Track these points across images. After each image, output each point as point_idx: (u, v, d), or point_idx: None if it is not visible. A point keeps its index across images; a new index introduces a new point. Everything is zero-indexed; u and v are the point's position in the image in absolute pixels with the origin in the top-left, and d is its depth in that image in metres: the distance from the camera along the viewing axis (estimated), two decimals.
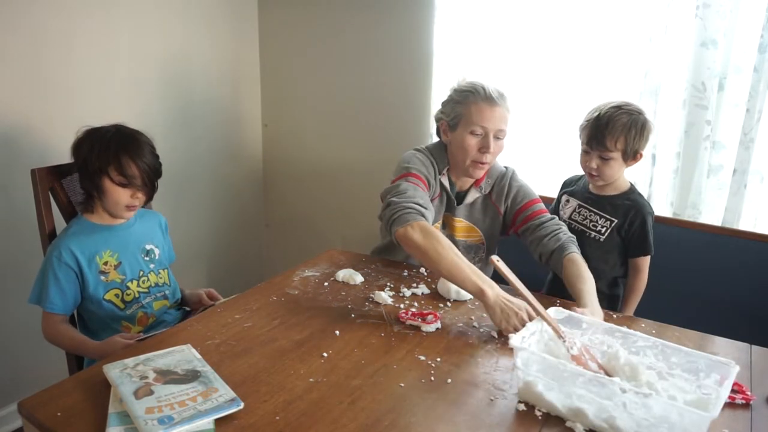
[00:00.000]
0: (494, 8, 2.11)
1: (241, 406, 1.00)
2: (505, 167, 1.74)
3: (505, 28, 2.12)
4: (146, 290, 1.59)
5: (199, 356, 1.13)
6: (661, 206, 1.96)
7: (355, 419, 1.01)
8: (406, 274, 1.63)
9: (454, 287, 1.46)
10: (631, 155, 1.59)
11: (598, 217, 1.68)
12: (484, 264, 1.76)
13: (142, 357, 1.11)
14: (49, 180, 1.63)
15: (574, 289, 1.44)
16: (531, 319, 1.24)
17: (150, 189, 1.52)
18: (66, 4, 1.96)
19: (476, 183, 1.69)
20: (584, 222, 1.70)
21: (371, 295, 1.47)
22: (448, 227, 1.72)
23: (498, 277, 1.31)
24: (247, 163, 2.84)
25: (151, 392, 1.00)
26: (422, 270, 1.66)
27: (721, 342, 1.32)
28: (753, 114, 1.74)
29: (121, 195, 1.47)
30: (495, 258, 1.26)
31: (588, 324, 1.19)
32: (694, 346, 1.23)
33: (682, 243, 1.81)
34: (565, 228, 1.62)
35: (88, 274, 1.49)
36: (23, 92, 1.91)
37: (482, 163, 1.60)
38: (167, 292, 1.64)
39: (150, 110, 2.31)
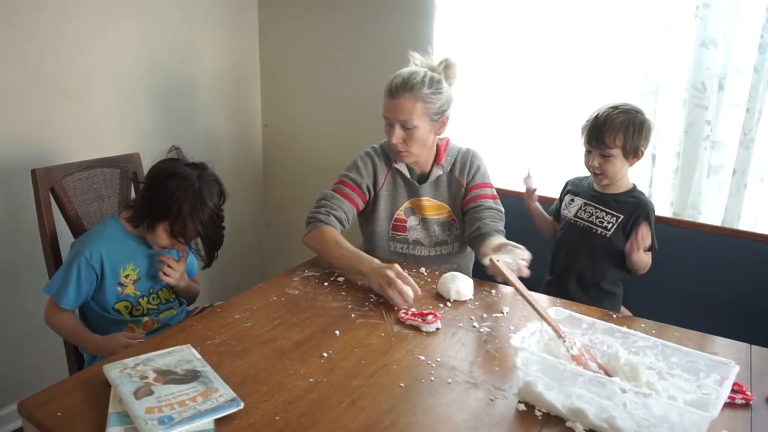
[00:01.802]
0: (494, 8, 2.11)
1: (241, 406, 1.00)
2: (470, 148, 1.81)
3: (505, 28, 2.11)
4: (155, 306, 1.59)
5: (199, 356, 1.13)
6: (661, 206, 1.95)
7: (355, 419, 1.01)
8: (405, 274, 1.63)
9: (454, 287, 1.47)
10: (632, 152, 1.62)
11: (604, 214, 1.69)
12: (461, 243, 1.78)
13: (142, 357, 1.11)
14: (49, 180, 1.63)
15: (489, 246, 1.48)
16: (399, 278, 1.39)
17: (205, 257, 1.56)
18: (66, 5, 1.96)
19: (437, 161, 1.74)
20: (590, 219, 1.71)
21: (372, 295, 1.47)
22: (417, 210, 1.76)
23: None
24: (247, 163, 2.84)
25: (151, 392, 1.00)
26: (422, 270, 1.66)
27: (721, 342, 1.32)
28: (753, 114, 1.74)
29: (165, 241, 1.48)
30: (495, 258, 1.26)
31: (588, 324, 1.19)
32: (694, 346, 1.23)
33: (682, 243, 1.80)
34: (489, 221, 1.66)
35: (108, 282, 1.50)
36: (23, 92, 1.91)
37: (399, 151, 1.67)
38: (174, 305, 1.65)
39: (150, 110, 2.31)
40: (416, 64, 1.67)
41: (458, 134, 2.28)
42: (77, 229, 1.69)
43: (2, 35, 1.82)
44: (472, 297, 1.49)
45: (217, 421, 0.97)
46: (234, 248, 2.80)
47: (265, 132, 2.87)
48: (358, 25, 2.45)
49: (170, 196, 1.43)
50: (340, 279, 1.57)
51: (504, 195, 2.09)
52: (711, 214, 1.88)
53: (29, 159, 1.92)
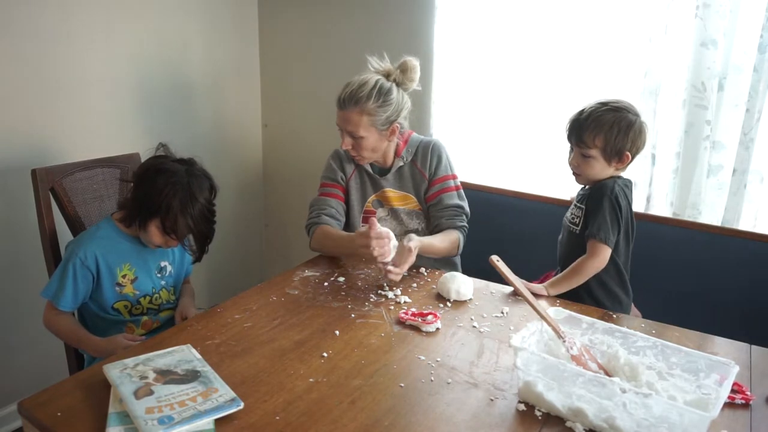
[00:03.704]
0: (494, 8, 2.11)
1: (241, 406, 1.00)
2: (432, 138, 1.84)
3: (505, 28, 2.11)
4: (156, 307, 1.59)
5: (199, 356, 1.13)
6: (661, 206, 1.96)
7: (355, 419, 1.01)
8: (406, 273, 1.63)
9: (454, 287, 1.47)
10: (614, 155, 1.49)
11: (575, 209, 1.61)
12: (432, 232, 1.78)
13: (142, 357, 1.11)
14: (49, 180, 1.63)
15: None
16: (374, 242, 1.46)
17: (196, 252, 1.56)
18: (66, 5, 1.96)
19: (397, 154, 1.79)
20: (569, 216, 1.64)
21: (372, 295, 1.47)
22: (384, 202, 1.82)
23: (498, 277, 1.31)
24: (247, 163, 2.84)
25: (151, 392, 1.00)
26: (422, 270, 1.66)
27: (721, 342, 1.32)
28: (753, 114, 1.74)
29: (158, 239, 1.47)
30: (495, 258, 1.26)
31: (588, 324, 1.19)
32: (694, 346, 1.23)
33: (682, 243, 1.80)
34: (446, 219, 1.74)
35: (105, 283, 1.49)
36: (23, 92, 1.91)
37: (352, 155, 1.75)
38: (175, 305, 1.65)
39: (149, 110, 2.31)
40: (372, 67, 1.70)
41: (459, 134, 2.29)
42: (77, 229, 1.69)
43: (2, 35, 1.82)
44: (472, 297, 1.49)
45: (217, 421, 0.97)
46: (234, 248, 2.80)
47: (265, 132, 2.87)
48: (358, 25, 2.45)
49: (159, 192, 1.42)
50: (341, 279, 1.57)
51: (504, 195, 2.10)
52: (711, 214, 1.88)
53: (29, 159, 1.92)
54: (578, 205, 1.61)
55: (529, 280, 1.58)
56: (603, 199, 1.50)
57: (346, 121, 1.67)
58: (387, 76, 1.69)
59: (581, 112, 1.54)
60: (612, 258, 1.53)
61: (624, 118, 1.48)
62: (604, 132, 1.47)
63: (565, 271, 1.54)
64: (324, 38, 2.56)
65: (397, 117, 1.69)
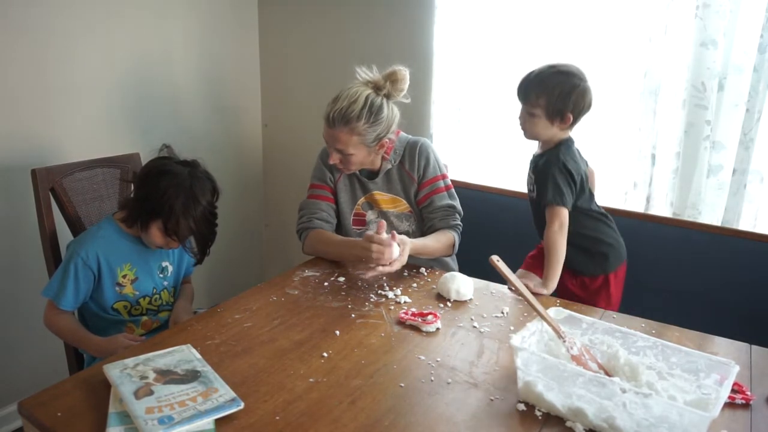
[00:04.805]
0: (494, 8, 2.11)
1: (241, 406, 1.00)
2: (419, 138, 1.80)
3: (505, 28, 2.11)
4: (156, 308, 1.59)
5: (199, 356, 1.13)
6: (661, 206, 1.96)
7: (355, 419, 1.01)
8: (406, 274, 1.63)
9: (454, 287, 1.47)
10: (556, 114, 1.55)
11: (529, 176, 1.68)
12: (423, 235, 1.77)
13: (142, 357, 1.11)
14: (49, 180, 1.63)
15: None
16: (378, 250, 1.46)
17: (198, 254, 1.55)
18: (66, 4, 1.96)
19: (384, 157, 1.75)
20: (528, 186, 1.70)
21: (372, 295, 1.47)
22: (374, 204, 1.80)
23: (498, 277, 1.31)
24: (247, 163, 2.84)
25: (151, 392, 1.00)
26: (422, 270, 1.66)
27: (721, 342, 1.32)
28: (753, 114, 1.74)
29: (160, 240, 1.47)
30: (495, 258, 1.26)
31: (588, 324, 1.19)
32: (694, 346, 1.23)
33: (682, 243, 1.80)
34: (439, 220, 1.73)
35: (105, 282, 1.49)
36: (23, 92, 1.91)
37: (339, 168, 1.73)
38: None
39: (150, 110, 2.31)
40: (360, 78, 1.65)
41: (459, 134, 2.29)
42: (77, 229, 1.69)
43: (2, 36, 1.82)
44: (472, 297, 1.49)
45: (217, 421, 0.97)
46: (234, 248, 2.80)
47: (265, 132, 2.87)
48: (358, 25, 2.45)
49: (162, 194, 1.41)
50: (341, 279, 1.57)
51: (504, 195, 2.10)
52: (711, 214, 1.88)
53: (29, 159, 1.92)
54: (531, 173, 1.67)
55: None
56: (551, 168, 1.57)
57: (335, 139, 1.63)
58: (376, 89, 1.63)
59: (531, 73, 1.60)
60: (578, 218, 1.60)
61: (568, 81, 1.55)
62: (547, 92, 1.54)
63: (544, 263, 1.57)
64: (324, 38, 2.56)
65: (387, 133, 1.65)
